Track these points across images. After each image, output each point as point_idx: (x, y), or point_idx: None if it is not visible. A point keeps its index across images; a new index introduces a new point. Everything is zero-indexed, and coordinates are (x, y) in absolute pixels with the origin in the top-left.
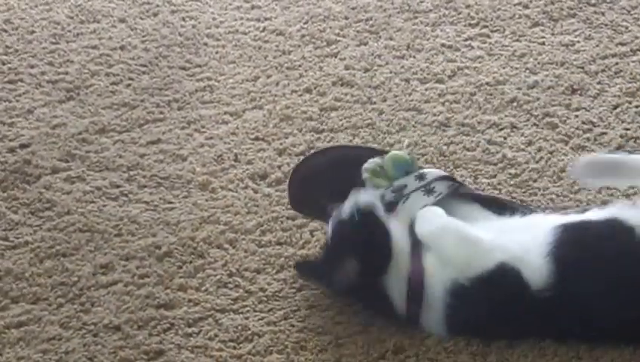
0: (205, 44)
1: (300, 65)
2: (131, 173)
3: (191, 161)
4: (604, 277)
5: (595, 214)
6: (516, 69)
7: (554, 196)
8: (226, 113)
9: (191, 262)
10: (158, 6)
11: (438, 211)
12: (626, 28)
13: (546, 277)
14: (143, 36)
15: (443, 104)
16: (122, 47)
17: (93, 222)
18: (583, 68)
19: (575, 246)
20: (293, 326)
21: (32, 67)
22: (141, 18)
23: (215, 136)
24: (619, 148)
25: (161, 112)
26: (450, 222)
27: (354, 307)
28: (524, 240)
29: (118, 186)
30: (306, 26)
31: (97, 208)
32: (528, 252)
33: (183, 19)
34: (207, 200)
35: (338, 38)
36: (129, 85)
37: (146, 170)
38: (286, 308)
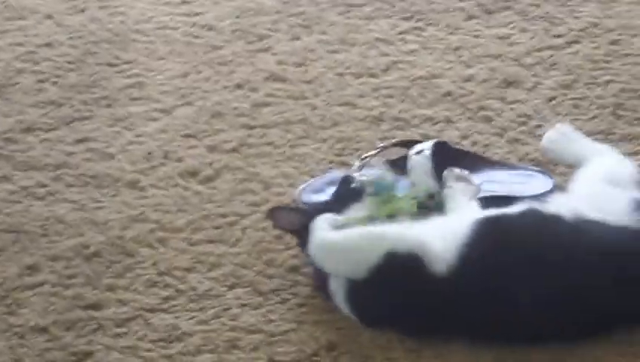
0: (134, 40)
1: (231, 61)
2: (58, 171)
3: (119, 159)
4: (510, 271)
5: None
6: (451, 62)
7: None
8: (155, 110)
9: (120, 261)
10: (85, 2)
11: (320, 223)
12: (561, 20)
13: (451, 266)
14: (70, 33)
15: (377, 98)
16: (49, 44)
17: (19, 222)
18: (518, 60)
19: (487, 238)
20: (224, 324)
21: None
22: (68, 14)
23: (144, 133)
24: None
25: (89, 110)
26: (324, 238)
27: (286, 304)
28: (442, 230)
29: (44, 186)
30: (237, 20)
31: (23, 208)
32: (439, 240)
33: (111, 14)
34: (136, 199)
35: (270, 33)
36: (56, 83)
37: (74, 168)
38: (217, 306)
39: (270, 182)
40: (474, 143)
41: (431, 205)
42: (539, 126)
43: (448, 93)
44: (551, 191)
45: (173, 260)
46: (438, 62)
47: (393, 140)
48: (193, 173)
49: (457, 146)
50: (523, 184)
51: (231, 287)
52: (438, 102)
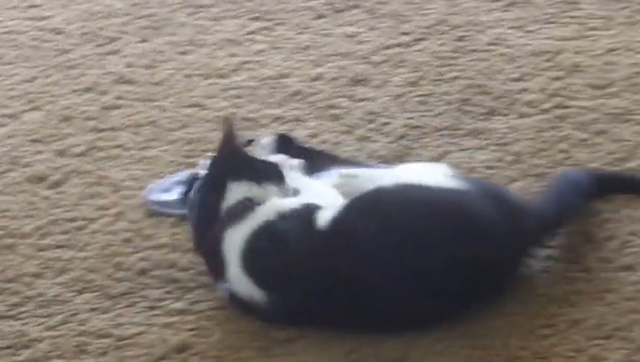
0: None
1: (80, 64)
2: None
3: None
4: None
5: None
6: (300, 61)
7: None
8: (2, 115)
9: None
10: None
11: None
12: (409, 17)
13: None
14: None
15: (226, 99)
16: None
17: None
18: (366, 59)
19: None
20: (73, 330)
21: None
22: None
23: None
24: (402, 137)
25: None
26: None
27: (136, 307)
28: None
29: None
30: (86, 23)
31: None
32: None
33: None
34: None
35: (119, 35)
36: None
37: None
38: (65, 312)
39: (119, 185)
40: (323, 142)
41: None
42: (387, 123)
43: (297, 93)
44: None
45: (21, 266)
46: (286, 61)
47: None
48: (41, 178)
49: (308, 145)
50: None
51: (80, 292)
52: (288, 102)
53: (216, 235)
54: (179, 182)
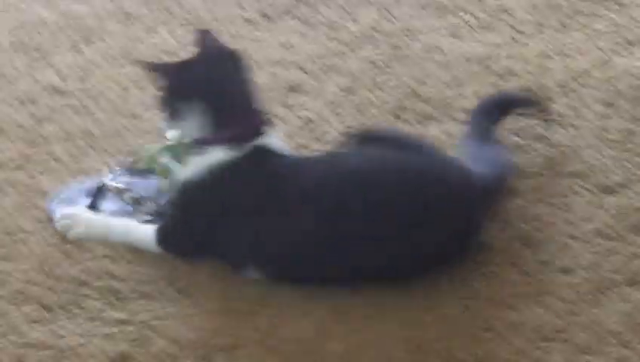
0: None
1: (10, 75)
2: None
3: None
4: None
5: None
6: None
7: None
8: None
9: None
10: None
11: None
12: (343, 25)
13: None
14: None
15: None
16: None
17: None
18: (300, 66)
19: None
20: (12, 342)
21: None
22: None
23: None
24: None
25: None
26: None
27: (76, 319)
28: None
29: None
30: (15, 33)
31: None
32: None
33: None
34: None
35: (51, 47)
36: None
37: None
38: (4, 324)
39: None
40: None
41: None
42: (324, 131)
43: None
44: None
45: None
46: None
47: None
48: None
49: None
50: None
51: (19, 304)
52: None
53: None
54: (85, 192)
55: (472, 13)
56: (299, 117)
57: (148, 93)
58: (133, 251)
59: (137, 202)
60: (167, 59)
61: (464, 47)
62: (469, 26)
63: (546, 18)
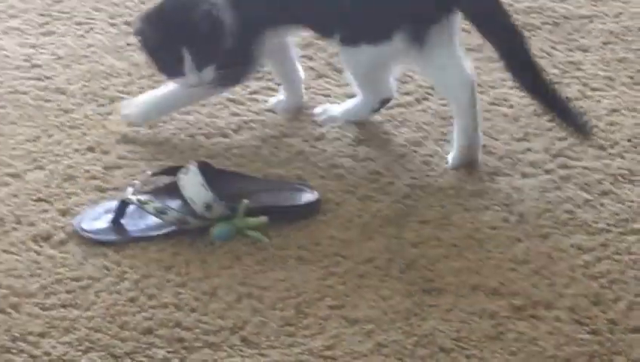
0: None
1: (82, 124)
2: None
3: None
4: None
5: None
6: (302, 121)
7: (340, 243)
8: (6, 174)
9: None
10: None
11: None
12: (411, 77)
13: None
14: None
15: (229, 159)
16: None
17: None
18: (368, 118)
19: None
20: None
21: None
22: None
23: None
24: (406, 197)
25: None
26: None
27: None
28: None
29: None
30: (88, 83)
31: None
32: None
33: None
34: None
35: (122, 95)
36: None
37: None
38: None
39: (122, 245)
40: (326, 201)
41: (208, 215)
42: (390, 183)
43: (300, 152)
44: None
45: (26, 325)
46: (290, 121)
47: (160, 169)
48: (45, 238)
49: (222, 167)
50: (291, 196)
51: (85, 352)
52: (291, 161)
53: None
54: (108, 210)
55: None
56: (366, 169)
57: (216, 142)
58: (197, 299)
59: (161, 211)
60: (233, 108)
61: (533, 101)
62: None
63: (616, 73)
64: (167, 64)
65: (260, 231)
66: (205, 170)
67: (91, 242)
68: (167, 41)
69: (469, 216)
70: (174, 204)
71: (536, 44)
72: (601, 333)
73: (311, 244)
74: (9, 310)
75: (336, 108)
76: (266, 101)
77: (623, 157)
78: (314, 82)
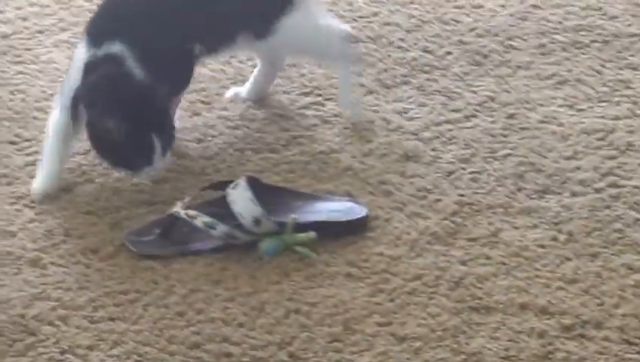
0: (35, 117)
1: None
2: None
3: (21, 237)
4: None
5: None
6: (351, 137)
7: (389, 260)
8: (57, 189)
9: (22, 340)
10: None
11: None
12: (459, 94)
13: None
14: None
15: (278, 174)
16: None
17: None
18: (416, 135)
19: None
20: None
21: None
22: None
23: (45, 211)
24: (454, 214)
25: None
26: None
27: None
28: None
29: None
30: None
31: None
32: None
33: (12, 92)
34: (37, 277)
35: None
36: None
37: None
38: None
39: (171, 259)
40: (375, 218)
41: (257, 230)
42: (438, 200)
43: (349, 168)
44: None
45: (75, 338)
46: (337, 136)
47: (209, 184)
48: (94, 251)
49: (270, 183)
50: (340, 212)
51: None
52: (339, 177)
53: None
54: (156, 224)
55: (590, 86)
56: (414, 186)
57: (264, 157)
58: (245, 314)
59: (210, 226)
60: (282, 123)
61: (582, 120)
62: (588, 98)
63: None
64: (137, 155)
65: (308, 247)
66: (254, 185)
67: (140, 255)
68: (138, 130)
69: (518, 234)
70: (223, 218)
71: (585, 63)
72: None
73: (359, 261)
74: (58, 322)
75: (243, 89)
76: (315, 116)
77: None
78: (364, 98)
